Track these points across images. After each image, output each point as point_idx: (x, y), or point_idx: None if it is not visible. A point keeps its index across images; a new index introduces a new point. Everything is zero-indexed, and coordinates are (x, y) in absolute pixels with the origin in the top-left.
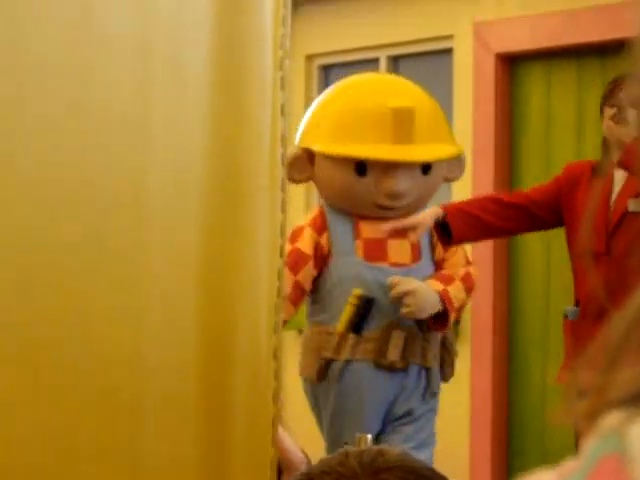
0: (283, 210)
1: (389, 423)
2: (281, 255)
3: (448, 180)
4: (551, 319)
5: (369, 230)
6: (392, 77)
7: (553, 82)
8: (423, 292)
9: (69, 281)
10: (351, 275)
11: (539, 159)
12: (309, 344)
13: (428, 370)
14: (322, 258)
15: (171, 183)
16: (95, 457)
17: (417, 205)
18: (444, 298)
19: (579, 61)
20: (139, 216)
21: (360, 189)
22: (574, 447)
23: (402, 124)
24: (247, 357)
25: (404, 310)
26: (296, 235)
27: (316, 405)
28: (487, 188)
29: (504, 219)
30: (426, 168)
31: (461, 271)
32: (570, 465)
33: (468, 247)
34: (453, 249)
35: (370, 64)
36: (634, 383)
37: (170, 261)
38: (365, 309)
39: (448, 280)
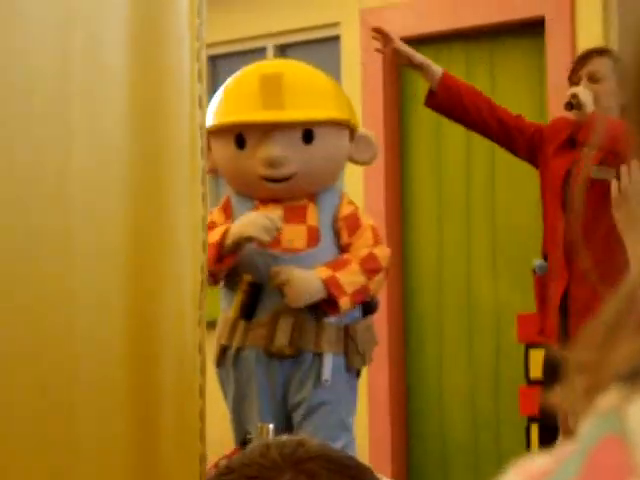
0: (204, 203)
1: (292, 412)
2: (204, 249)
3: (356, 162)
4: (445, 304)
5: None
6: (282, 60)
7: (441, 66)
8: (300, 281)
9: None
10: (244, 261)
11: (429, 144)
12: (216, 331)
13: (321, 357)
14: None
15: (93, 176)
16: (31, 448)
17: (306, 177)
18: (329, 285)
19: (466, 45)
20: (63, 211)
21: (242, 162)
22: (472, 427)
23: (270, 89)
24: (172, 351)
25: (285, 300)
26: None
27: (224, 391)
28: (377, 177)
29: (484, 120)
30: (307, 137)
31: (363, 252)
32: (566, 448)
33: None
34: (360, 232)
35: (257, 53)
36: (631, 359)
37: (95, 255)
38: (253, 295)
39: (340, 265)
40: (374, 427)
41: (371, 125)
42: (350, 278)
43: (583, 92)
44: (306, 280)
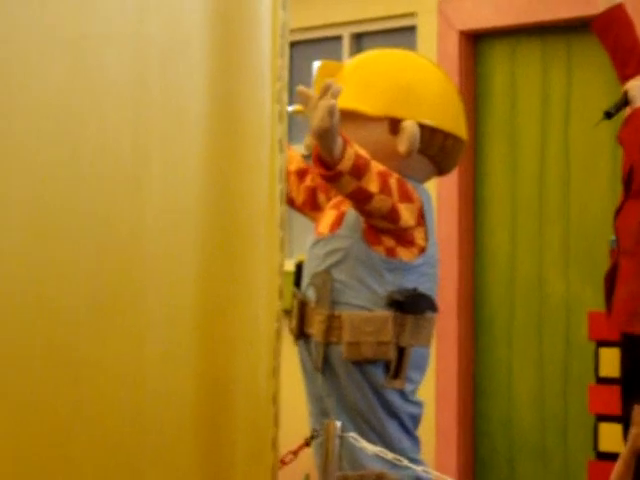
0: (282, 249)
1: None
2: (280, 297)
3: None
4: (516, 300)
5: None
6: (400, 51)
7: (517, 60)
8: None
9: (66, 330)
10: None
11: (503, 138)
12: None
13: None
14: None
15: (168, 225)
16: None
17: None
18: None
19: (543, 39)
20: (136, 261)
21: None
22: (540, 425)
23: (319, 80)
24: (246, 403)
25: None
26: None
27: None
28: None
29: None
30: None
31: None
32: None
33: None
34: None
35: (333, 42)
36: None
37: (168, 306)
38: (296, 274)
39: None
40: (441, 422)
41: None
42: (358, 160)
43: (633, 87)
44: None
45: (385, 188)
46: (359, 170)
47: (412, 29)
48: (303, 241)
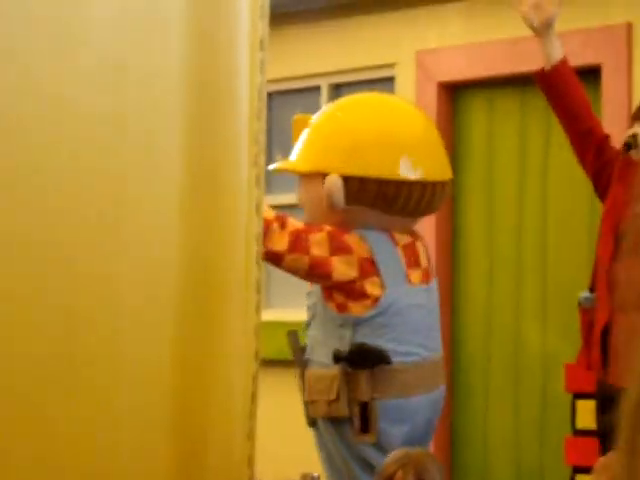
0: (257, 312)
1: None
2: (256, 359)
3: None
4: (493, 352)
5: None
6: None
7: (496, 111)
8: None
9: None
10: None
11: (481, 190)
12: None
13: None
14: None
15: (143, 289)
16: None
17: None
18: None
19: (522, 90)
20: (112, 323)
21: None
22: (516, 477)
23: (296, 134)
24: (221, 467)
25: None
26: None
27: None
28: (428, 223)
29: (585, 117)
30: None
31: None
32: None
33: None
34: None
35: (312, 92)
36: None
37: (143, 369)
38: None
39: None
40: None
41: None
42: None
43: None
44: None
45: (297, 246)
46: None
47: (391, 79)
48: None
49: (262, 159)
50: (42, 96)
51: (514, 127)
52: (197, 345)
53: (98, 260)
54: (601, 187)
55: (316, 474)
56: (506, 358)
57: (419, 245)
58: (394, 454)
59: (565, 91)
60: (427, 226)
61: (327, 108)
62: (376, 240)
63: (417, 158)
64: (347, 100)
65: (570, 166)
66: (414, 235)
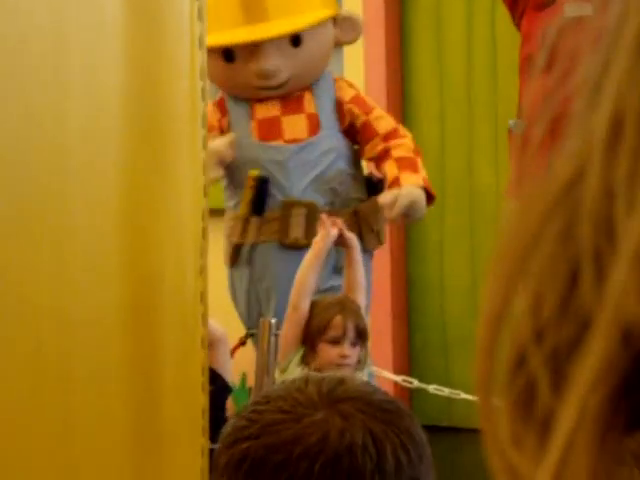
0: (204, 146)
1: None
2: (205, 195)
3: (343, 43)
4: (447, 192)
5: (263, 110)
6: None
7: None
8: (417, 198)
9: None
10: (248, 157)
11: (430, 26)
12: (225, 231)
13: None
14: None
15: (90, 124)
16: (28, 416)
17: (299, 78)
18: (427, 187)
19: None
20: (58, 160)
21: (233, 74)
22: (471, 320)
23: (251, 3)
24: (174, 301)
25: (407, 221)
26: None
27: (233, 292)
28: (379, 62)
29: None
30: (295, 41)
31: (403, 143)
32: None
33: None
34: (376, 113)
35: None
36: None
37: (91, 207)
38: (262, 190)
39: (412, 164)
40: (375, 319)
41: (373, 13)
42: (422, 171)
43: None
44: (419, 195)
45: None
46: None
47: None
48: None
49: None
50: None
51: None
52: (145, 180)
53: (46, 98)
54: (518, 15)
55: (274, 319)
56: (460, 198)
57: None
58: (326, 299)
59: None
60: (377, 73)
61: None
62: None
63: None
64: None
65: None
66: None
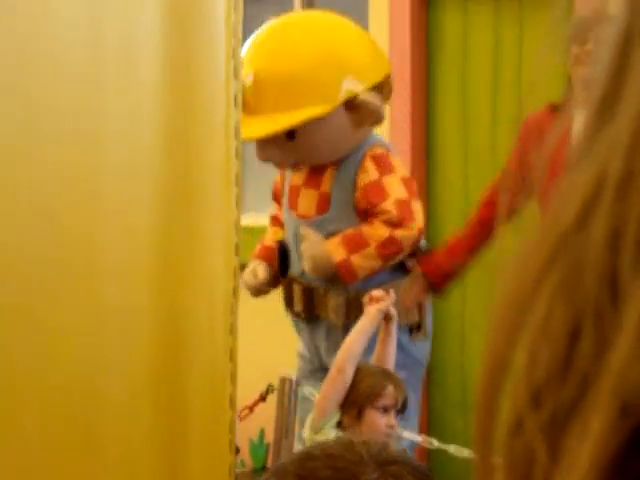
0: (238, 206)
1: None
2: (236, 253)
3: (364, 126)
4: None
5: (296, 177)
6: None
7: (470, 8)
8: (316, 258)
9: (22, 288)
10: (284, 219)
11: (456, 88)
12: None
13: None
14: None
15: (124, 182)
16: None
17: (310, 160)
18: (341, 268)
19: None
20: (93, 216)
21: None
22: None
23: (245, 94)
24: (203, 360)
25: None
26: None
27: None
28: (404, 118)
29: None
30: (289, 134)
31: (383, 234)
32: None
33: None
34: (381, 206)
35: None
36: None
37: (124, 264)
38: (282, 254)
39: (358, 246)
40: None
41: (398, 62)
42: (365, 263)
43: None
44: (322, 259)
45: (387, 257)
46: (370, 275)
47: None
48: (256, 197)
49: (240, 52)
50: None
51: (489, 25)
52: (178, 239)
53: (82, 158)
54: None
55: (294, 377)
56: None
57: None
58: (371, 366)
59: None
60: (402, 126)
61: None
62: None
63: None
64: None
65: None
66: None
